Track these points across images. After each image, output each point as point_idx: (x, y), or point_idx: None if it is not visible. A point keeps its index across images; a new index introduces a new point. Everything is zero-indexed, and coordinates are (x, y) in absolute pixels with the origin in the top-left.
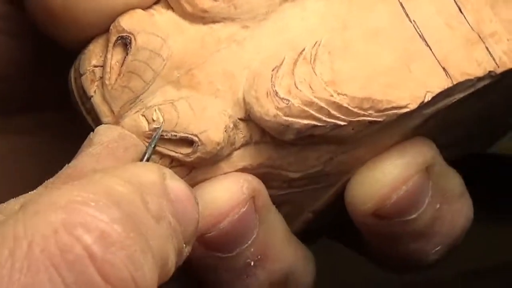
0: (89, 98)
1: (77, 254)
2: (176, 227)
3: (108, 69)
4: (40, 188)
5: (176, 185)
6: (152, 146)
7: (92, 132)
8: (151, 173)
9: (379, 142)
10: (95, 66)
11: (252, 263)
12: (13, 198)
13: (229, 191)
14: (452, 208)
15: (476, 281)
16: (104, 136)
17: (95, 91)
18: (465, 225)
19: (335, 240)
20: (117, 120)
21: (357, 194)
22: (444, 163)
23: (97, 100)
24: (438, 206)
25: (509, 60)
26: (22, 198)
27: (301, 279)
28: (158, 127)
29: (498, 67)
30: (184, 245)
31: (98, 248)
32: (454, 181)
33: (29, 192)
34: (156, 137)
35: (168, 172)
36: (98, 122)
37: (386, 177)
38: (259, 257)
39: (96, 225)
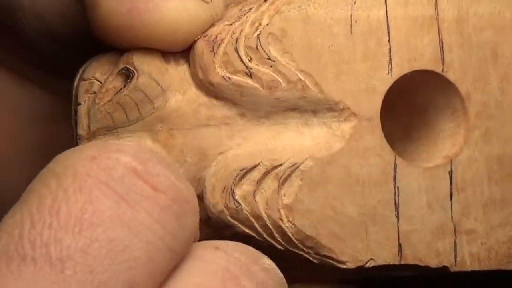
0: (77, 104)
1: (122, 170)
2: None
3: (103, 90)
4: None
5: None
6: None
7: None
8: None
9: (311, 275)
10: (96, 80)
11: None
12: None
13: None
14: None
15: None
16: None
17: (84, 101)
18: None
19: None
20: (90, 137)
21: None
22: None
23: (82, 110)
24: None
25: (470, 262)
26: None
27: None
28: None
29: (456, 265)
30: None
31: (138, 163)
32: None
33: None
34: None
35: None
36: (77, 128)
37: None
38: None
39: (128, 149)
